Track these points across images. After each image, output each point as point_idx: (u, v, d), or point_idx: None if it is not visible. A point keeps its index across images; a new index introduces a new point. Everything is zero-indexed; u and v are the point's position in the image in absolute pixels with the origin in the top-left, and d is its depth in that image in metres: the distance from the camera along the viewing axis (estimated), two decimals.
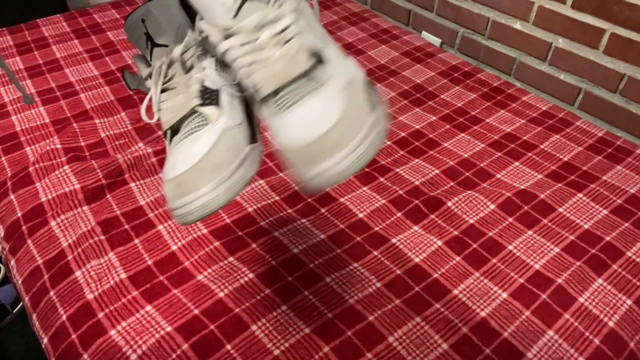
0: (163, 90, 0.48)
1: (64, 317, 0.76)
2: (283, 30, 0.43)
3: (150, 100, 0.49)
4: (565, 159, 1.08)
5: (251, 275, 0.81)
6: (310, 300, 0.78)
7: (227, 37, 0.43)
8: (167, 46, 0.48)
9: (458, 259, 0.85)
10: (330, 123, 0.40)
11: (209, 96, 0.47)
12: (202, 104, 0.47)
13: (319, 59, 0.45)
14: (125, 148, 1.06)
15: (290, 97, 0.43)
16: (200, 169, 0.44)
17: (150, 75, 0.49)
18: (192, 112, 0.47)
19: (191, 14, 0.49)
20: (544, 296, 0.79)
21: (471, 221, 0.92)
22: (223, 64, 0.49)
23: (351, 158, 0.40)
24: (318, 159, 0.40)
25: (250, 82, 0.44)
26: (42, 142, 1.08)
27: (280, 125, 0.43)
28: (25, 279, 0.83)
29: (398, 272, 0.83)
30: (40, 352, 1.18)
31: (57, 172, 0.99)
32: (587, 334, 0.75)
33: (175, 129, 0.48)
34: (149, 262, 0.83)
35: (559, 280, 0.82)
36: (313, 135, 0.40)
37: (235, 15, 0.42)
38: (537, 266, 0.84)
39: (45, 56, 1.37)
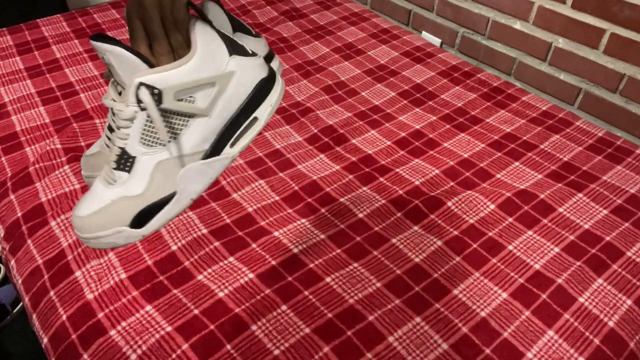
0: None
1: (64, 317, 0.76)
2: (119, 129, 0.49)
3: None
4: (565, 159, 1.08)
5: (251, 275, 0.81)
6: (310, 300, 0.78)
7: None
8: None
9: (458, 259, 0.85)
10: (89, 210, 0.49)
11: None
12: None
13: (122, 166, 0.50)
14: None
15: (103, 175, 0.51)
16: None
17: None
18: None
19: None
20: (544, 296, 0.79)
21: (471, 221, 0.92)
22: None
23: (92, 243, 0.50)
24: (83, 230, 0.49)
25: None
26: (42, 142, 1.08)
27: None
28: (25, 279, 0.83)
29: (398, 272, 0.83)
30: (40, 352, 1.18)
31: (57, 172, 0.99)
32: (587, 334, 0.75)
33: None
34: (149, 262, 0.83)
35: (559, 280, 0.82)
36: (85, 211, 0.49)
37: None
38: (537, 266, 0.84)
39: (45, 56, 1.37)
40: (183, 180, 0.49)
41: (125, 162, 0.48)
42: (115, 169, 0.48)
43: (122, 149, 0.48)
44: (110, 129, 0.54)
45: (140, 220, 0.49)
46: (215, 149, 0.50)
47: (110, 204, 0.48)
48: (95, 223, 0.48)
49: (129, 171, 0.48)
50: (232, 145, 0.51)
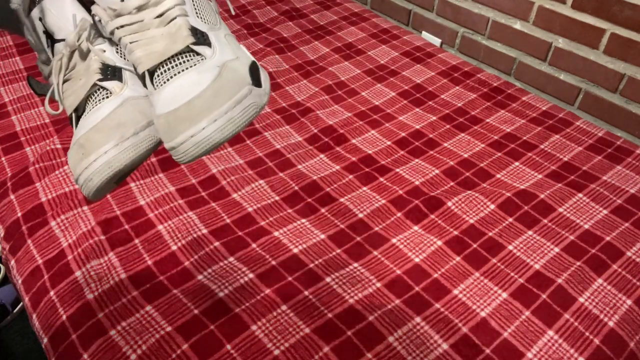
0: (65, 81, 0.47)
1: (64, 317, 0.76)
2: (165, 12, 0.44)
3: (52, 93, 0.48)
4: (565, 159, 1.08)
5: (251, 275, 0.81)
6: (310, 300, 0.78)
7: (116, 17, 0.44)
8: (64, 40, 0.47)
9: (458, 259, 0.85)
10: (199, 90, 0.41)
11: (111, 72, 0.47)
12: (103, 79, 0.46)
13: (202, 40, 0.45)
14: None
15: (167, 74, 0.44)
16: (102, 128, 0.43)
17: (51, 72, 0.48)
18: (95, 88, 0.46)
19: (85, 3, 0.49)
20: (544, 296, 0.79)
21: (471, 221, 0.92)
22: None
23: (218, 124, 0.40)
24: (185, 124, 0.40)
25: (131, 60, 0.44)
26: (42, 142, 1.08)
27: (157, 99, 0.43)
28: (25, 279, 0.83)
29: (398, 272, 0.83)
30: (40, 352, 1.18)
31: (57, 172, 0.99)
32: (587, 334, 0.75)
33: (79, 111, 0.47)
34: (149, 262, 0.83)
35: (559, 280, 0.82)
36: (181, 101, 0.41)
37: None
38: (537, 266, 0.84)
39: None
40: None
41: (201, 36, 0.44)
42: (194, 44, 0.44)
43: (192, 27, 0.44)
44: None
45: (254, 78, 0.44)
46: None
47: (220, 71, 0.43)
48: (229, 90, 0.41)
49: (209, 45, 0.45)
50: None
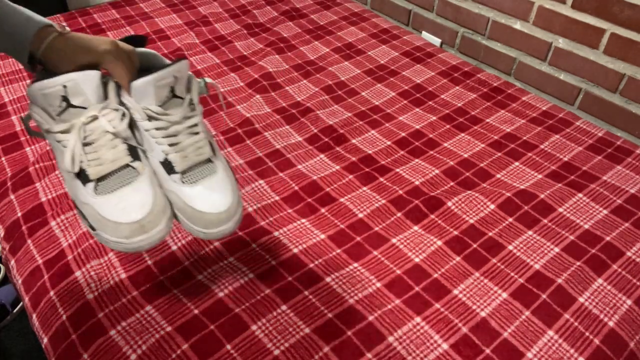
0: (85, 144, 0.57)
1: (64, 317, 0.76)
2: (193, 125, 0.62)
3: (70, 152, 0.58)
4: (565, 159, 1.08)
5: (251, 275, 0.81)
6: (310, 300, 0.78)
7: (149, 118, 0.59)
8: (84, 108, 0.56)
9: (458, 259, 0.85)
10: (228, 203, 0.62)
11: (135, 154, 0.60)
12: (133, 160, 0.59)
13: (213, 149, 0.64)
14: None
15: (195, 175, 0.62)
16: (156, 212, 0.58)
17: (65, 130, 0.57)
18: (125, 166, 0.59)
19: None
20: (544, 296, 0.79)
21: (471, 221, 0.92)
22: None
23: (234, 222, 0.63)
24: (218, 224, 0.61)
25: (165, 159, 0.61)
26: (42, 142, 1.08)
27: (188, 195, 0.61)
28: (25, 279, 0.83)
29: (398, 272, 0.83)
30: (40, 352, 1.18)
31: (57, 172, 0.99)
32: (587, 334, 0.75)
33: (101, 179, 0.59)
34: (149, 262, 0.83)
35: (559, 280, 0.82)
36: (221, 207, 0.61)
37: (161, 105, 0.59)
38: (537, 266, 0.84)
39: None
40: None
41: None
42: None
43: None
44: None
45: None
46: None
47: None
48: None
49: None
50: None
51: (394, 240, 0.88)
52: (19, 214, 0.92)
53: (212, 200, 0.60)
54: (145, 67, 0.63)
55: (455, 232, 0.90)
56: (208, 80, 0.66)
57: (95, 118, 0.57)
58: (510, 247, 0.87)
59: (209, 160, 0.63)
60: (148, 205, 0.57)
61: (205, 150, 0.62)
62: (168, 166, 0.61)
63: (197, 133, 0.62)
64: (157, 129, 0.59)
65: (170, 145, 0.60)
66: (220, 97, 0.69)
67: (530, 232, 0.90)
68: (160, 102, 0.58)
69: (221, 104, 0.81)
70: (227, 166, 0.66)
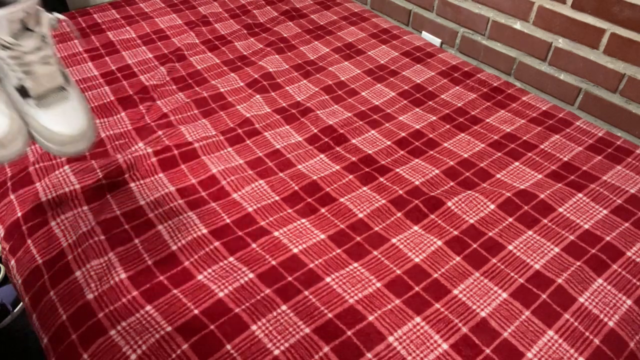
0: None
1: (64, 317, 0.76)
2: (46, 56, 0.70)
3: None
4: (565, 159, 1.08)
5: (251, 275, 0.81)
6: (310, 300, 0.78)
7: (3, 47, 0.66)
8: None
9: (458, 259, 0.85)
10: (81, 125, 0.74)
11: None
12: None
13: (65, 78, 0.75)
14: (125, 148, 1.06)
15: (50, 100, 0.72)
16: (14, 132, 0.70)
17: None
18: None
19: None
20: (544, 296, 0.79)
21: (471, 221, 0.92)
22: None
23: (87, 141, 0.75)
24: (73, 142, 0.73)
25: (20, 85, 0.70)
26: None
27: (43, 118, 0.71)
28: (25, 279, 0.83)
29: (398, 272, 0.83)
30: (40, 352, 1.18)
31: (57, 172, 0.99)
32: (587, 334, 0.75)
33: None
34: (149, 262, 0.83)
35: (559, 280, 0.82)
36: (75, 130, 0.73)
37: (15, 36, 0.66)
38: (537, 266, 0.84)
39: None
40: None
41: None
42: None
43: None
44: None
45: None
46: None
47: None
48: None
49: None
50: None
51: (394, 240, 0.88)
52: (19, 214, 0.92)
53: (66, 123, 0.72)
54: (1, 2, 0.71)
55: (455, 232, 0.90)
56: (59, 15, 0.74)
57: None
58: (510, 247, 0.87)
59: (62, 89, 0.74)
60: (5, 125, 0.67)
61: (58, 79, 0.73)
62: (23, 91, 0.70)
63: (49, 64, 0.71)
64: (11, 57, 0.67)
65: (25, 73, 0.69)
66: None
67: (530, 232, 0.90)
68: (12, 34, 0.66)
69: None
70: (81, 95, 0.77)
